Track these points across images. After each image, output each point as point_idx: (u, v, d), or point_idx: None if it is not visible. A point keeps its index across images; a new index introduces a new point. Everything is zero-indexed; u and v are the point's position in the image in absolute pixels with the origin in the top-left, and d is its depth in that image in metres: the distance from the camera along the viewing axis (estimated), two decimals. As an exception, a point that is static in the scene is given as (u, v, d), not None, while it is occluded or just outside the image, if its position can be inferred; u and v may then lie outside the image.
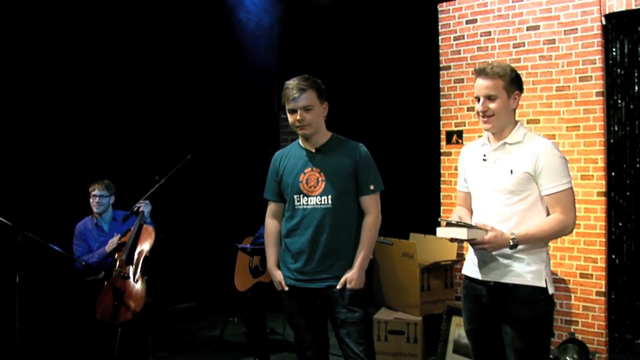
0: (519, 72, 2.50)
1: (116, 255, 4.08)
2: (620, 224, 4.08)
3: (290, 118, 2.79)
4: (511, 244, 2.36)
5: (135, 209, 4.21)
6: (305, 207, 2.82)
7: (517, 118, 2.52)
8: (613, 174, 4.07)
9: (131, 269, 4.00)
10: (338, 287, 2.76)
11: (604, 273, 3.89)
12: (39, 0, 4.72)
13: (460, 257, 4.50)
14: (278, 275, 2.91)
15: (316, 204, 2.80)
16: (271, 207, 3.00)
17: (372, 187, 2.82)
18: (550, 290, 2.44)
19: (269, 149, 6.24)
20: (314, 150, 2.85)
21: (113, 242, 4.14)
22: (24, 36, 4.69)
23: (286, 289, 2.87)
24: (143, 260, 4.04)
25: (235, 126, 6.08)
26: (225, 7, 5.59)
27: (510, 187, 2.43)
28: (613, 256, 4.06)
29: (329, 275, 2.79)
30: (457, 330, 4.07)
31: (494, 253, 2.44)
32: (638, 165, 4.05)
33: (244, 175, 6.07)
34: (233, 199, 5.93)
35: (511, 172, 2.43)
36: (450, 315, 4.15)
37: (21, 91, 4.72)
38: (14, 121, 4.68)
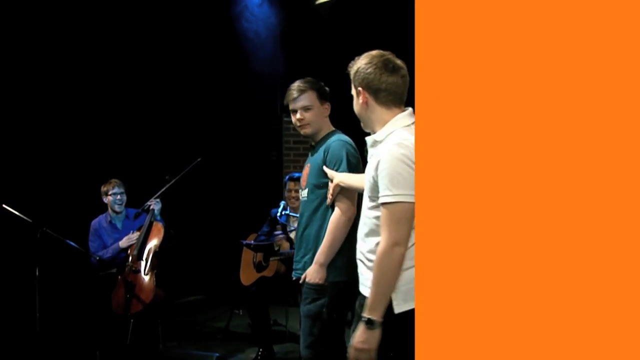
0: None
1: (129, 251, 4.21)
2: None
3: (292, 118, 2.87)
4: None
5: (146, 207, 4.32)
6: (301, 198, 2.92)
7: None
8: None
9: (142, 263, 4.13)
10: (301, 282, 2.72)
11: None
12: (72, 3, 4.85)
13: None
14: None
15: (303, 197, 2.86)
16: None
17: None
18: (400, 309, 1.79)
19: (272, 150, 6.33)
20: (312, 146, 2.91)
21: (131, 238, 4.25)
22: (42, 40, 4.79)
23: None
24: (153, 255, 4.17)
25: (241, 129, 6.12)
26: (230, 16, 5.63)
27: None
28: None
29: (300, 267, 2.79)
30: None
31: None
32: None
33: (249, 175, 6.15)
34: (238, 197, 5.97)
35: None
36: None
37: (40, 96, 4.84)
38: (34, 126, 4.81)
